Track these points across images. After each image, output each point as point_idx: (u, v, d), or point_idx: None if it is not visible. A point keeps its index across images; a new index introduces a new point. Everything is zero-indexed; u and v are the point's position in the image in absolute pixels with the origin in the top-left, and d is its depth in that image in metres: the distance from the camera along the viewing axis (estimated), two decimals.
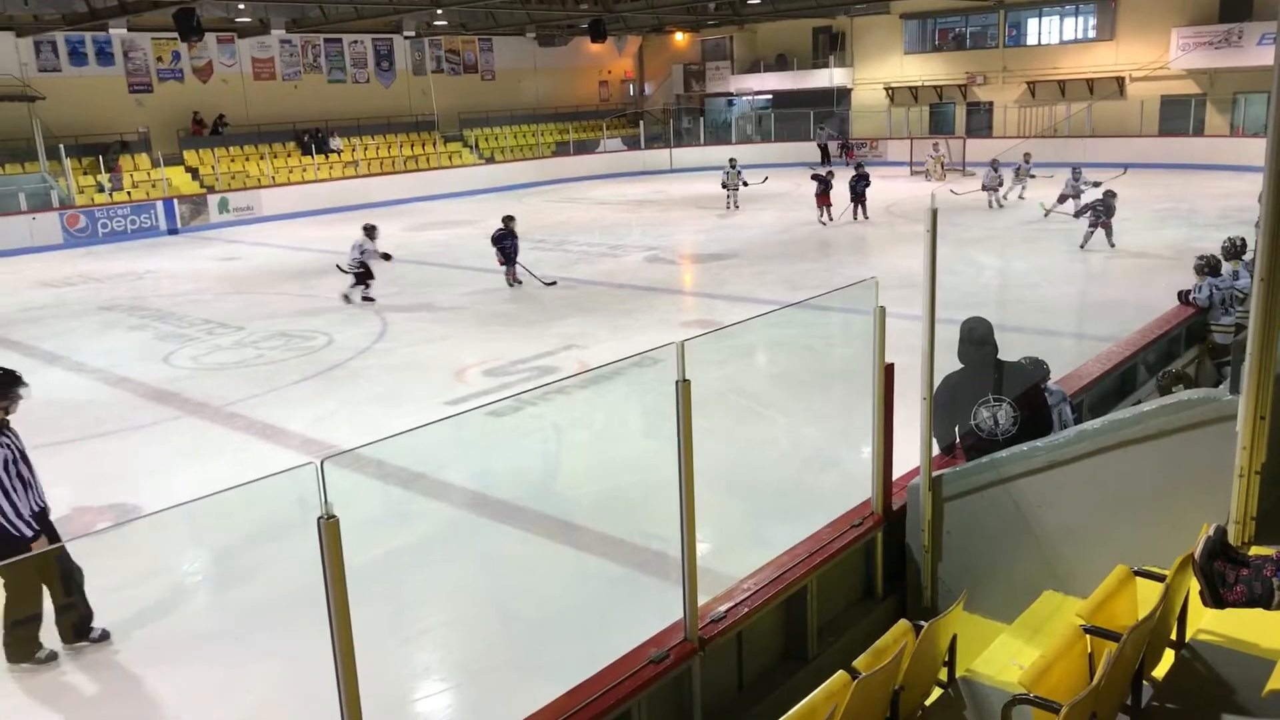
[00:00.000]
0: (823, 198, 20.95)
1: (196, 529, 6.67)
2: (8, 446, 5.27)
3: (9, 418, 5.37)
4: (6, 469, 5.23)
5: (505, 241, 15.63)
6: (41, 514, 5.42)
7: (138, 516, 7.27)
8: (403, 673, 5.42)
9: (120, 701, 5.28)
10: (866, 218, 20.96)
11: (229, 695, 5.21)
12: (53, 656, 5.49)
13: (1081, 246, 16.50)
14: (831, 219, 20.93)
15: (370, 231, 15.03)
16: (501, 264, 15.77)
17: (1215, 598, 3.14)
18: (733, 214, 23.77)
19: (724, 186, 24.83)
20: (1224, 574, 3.14)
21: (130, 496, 7.89)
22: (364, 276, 14.80)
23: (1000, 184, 22.57)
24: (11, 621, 5.41)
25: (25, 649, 5.44)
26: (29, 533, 5.25)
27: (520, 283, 15.72)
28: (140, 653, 5.63)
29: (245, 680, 5.35)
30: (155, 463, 8.72)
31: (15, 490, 5.26)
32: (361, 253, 14.72)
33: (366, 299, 14.85)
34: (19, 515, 5.23)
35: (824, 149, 34.44)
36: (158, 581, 6.46)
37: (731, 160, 25.30)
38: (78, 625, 5.56)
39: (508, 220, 15.81)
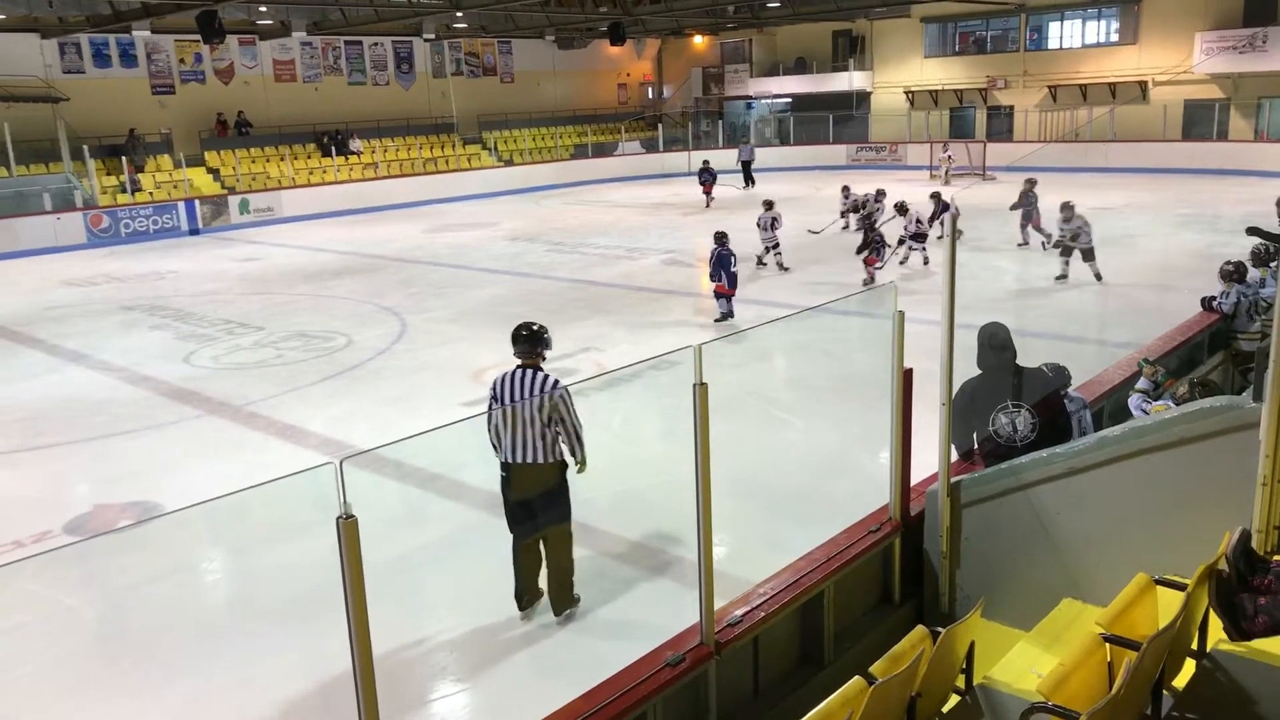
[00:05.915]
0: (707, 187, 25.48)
1: (216, 527, 6.71)
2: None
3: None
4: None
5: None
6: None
7: (159, 514, 7.32)
8: (420, 672, 5.44)
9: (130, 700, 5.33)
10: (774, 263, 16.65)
11: (247, 694, 5.25)
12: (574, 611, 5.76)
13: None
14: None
15: None
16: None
17: (1239, 630, 3.13)
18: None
19: None
20: (1243, 606, 3.13)
21: (151, 494, 7.95)
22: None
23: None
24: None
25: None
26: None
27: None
28: (159, 650, 5.68)
29: (263, 679, 5.38)
30: (176, 461, 8.79)
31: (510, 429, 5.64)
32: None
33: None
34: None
35: (745, 166, 30.87)
36: (178, 579, 6.51)
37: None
38: (559, 600, 5.79)
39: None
